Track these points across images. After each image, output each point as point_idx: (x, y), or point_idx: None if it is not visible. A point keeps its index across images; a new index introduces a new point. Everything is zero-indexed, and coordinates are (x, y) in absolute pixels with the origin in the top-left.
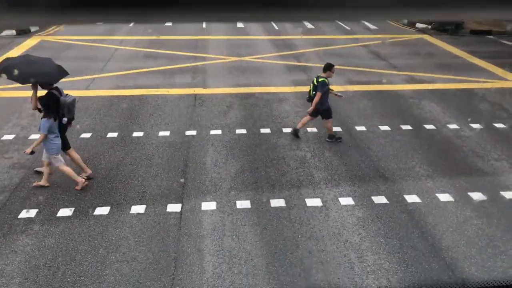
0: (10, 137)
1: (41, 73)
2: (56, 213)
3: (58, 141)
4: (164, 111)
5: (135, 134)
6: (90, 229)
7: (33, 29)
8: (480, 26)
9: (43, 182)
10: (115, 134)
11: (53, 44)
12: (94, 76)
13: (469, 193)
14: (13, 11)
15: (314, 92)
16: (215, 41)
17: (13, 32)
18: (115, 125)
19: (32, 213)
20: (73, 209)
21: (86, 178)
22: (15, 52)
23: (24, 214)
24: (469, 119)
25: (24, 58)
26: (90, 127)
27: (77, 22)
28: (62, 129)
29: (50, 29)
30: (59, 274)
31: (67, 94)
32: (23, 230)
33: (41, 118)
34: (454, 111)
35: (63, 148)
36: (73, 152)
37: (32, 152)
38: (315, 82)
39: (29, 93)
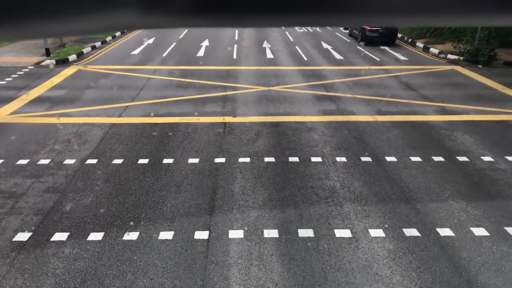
0: (46, 161)
1: None
2: (87, 237)
3: None
4: (194, 138)
5: (165, 160)
6: (119, 254)
7: (71, 58)
8: None
9: None
10: (145, 161)
11: (90, 73)
12: (127, 104)
13: (505, 228)
14: (148, 13)
15: None
16: (245, 71)
17: (53, 61)
18: (146, 152)
19: (64, 236)
20: (103, 233)
21: None
22: (55, 80)
23: (56, 237)
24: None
25: None
26: (121, 154)
27: (206, 25)
28: None
29: (87, 58)
30: None
31: None
32: (55, 253)
33: None
34: (488, 143)
35: None
36: None
37: None
38: None
39: (66, 119)
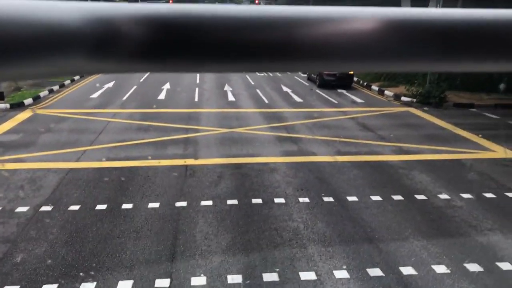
0: None
1: None
2: None
3: None
4: (154, 182)
5: (124, 206)
6: None
7: (27, 102)
8: (462, 99)
9: None
10: (104, 206)
11: (46, 117)
12: (85, 148)
13: (465, 264)
14: (93, 58)
15: None
16: (207, 113)
17: (7, 105)
18: (104, 197)
19: None
20: (56, 285)
21: None
22: (8, 124)
23: None
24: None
25: None
26: (79, 200)
27: (157, 71)
28: None
29: (44, 102)
30: None
31: None
32: None
33: None
34: (444, 181)
35: None
36: None
37: None
38: None
39: (19, 165)
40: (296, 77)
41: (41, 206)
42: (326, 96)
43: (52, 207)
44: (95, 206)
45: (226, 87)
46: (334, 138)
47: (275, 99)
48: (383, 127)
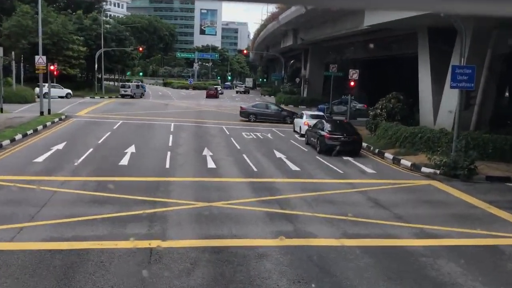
0: None
1: None
2: None
3: None
4: (108, 269)
5: None
6: None
7: None
8: (496, 171)
9: None
10: None
11: None
12: (22, 225)
13: None
14: None
15: None
16: (180, 183)
17: None
18: None
19: None
20: None
21: None
22: None
23: None
24: None
25: None
26: None
27: None
28: None
29: None
30: None
31: None
32: None
33: None
34: (478, 272)
35: None
36: None
37: None
38: None
39: None
40: (291, 141)
41: None
42: (329, 165)
43: None
44: None
45: (205, 151)
46: (340, 217)
47: (266, 167)
48: (400, 204)
